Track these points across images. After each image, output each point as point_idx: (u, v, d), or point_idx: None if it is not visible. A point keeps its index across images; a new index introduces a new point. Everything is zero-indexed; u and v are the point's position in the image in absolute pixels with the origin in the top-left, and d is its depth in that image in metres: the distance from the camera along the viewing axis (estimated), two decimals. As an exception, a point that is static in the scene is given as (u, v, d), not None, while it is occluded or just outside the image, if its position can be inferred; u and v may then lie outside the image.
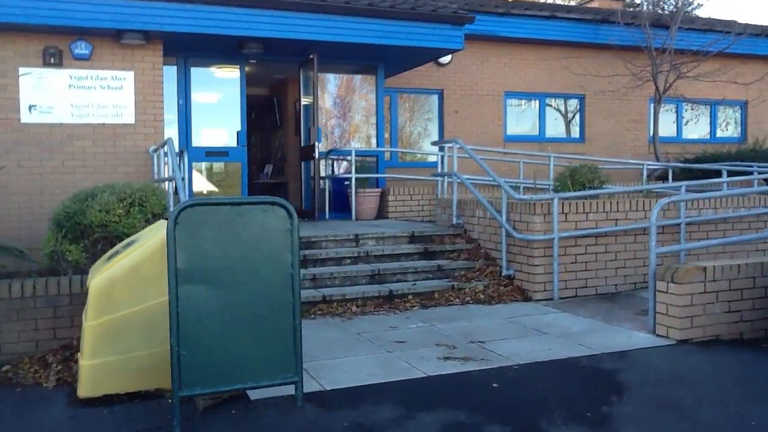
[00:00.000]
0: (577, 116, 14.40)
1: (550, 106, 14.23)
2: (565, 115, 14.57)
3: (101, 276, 4.16)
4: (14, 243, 6.21)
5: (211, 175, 10.56)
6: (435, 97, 13.15)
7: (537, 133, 14.01)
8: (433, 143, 9.84)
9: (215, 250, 3.68)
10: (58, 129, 8.69)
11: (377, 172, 11.12)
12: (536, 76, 13.63)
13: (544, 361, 4.81)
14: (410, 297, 6.87)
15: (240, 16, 8.89)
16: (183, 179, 9.38)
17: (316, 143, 10.02)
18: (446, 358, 4.86)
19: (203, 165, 10.40)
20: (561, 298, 7.03)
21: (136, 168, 9.03)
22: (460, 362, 4.77)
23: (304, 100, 10.78)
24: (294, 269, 3.83)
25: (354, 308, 6.55)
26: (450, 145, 8.67)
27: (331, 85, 11.18)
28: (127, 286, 4.13)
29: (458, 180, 8.47)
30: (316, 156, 10.06)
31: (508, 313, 6.42)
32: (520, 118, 14.11)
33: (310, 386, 4.19)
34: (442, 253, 7.81)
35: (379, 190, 10.58)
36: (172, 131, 9.95)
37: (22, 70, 8.46)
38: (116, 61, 8.90)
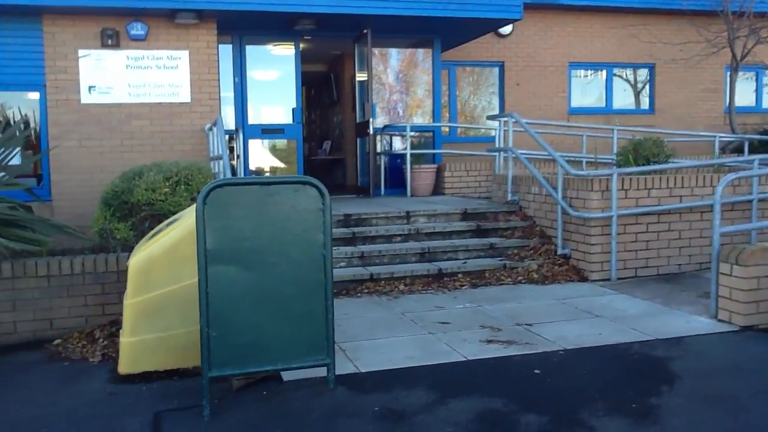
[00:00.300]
0: (647, 87, 13.73)
1: (618, 76, 13.62)
2: (633, 86, 13.92)
3: (140, 255, 4.19)
4: (72, 221, 6.39)
5: (267, 152, 10.62)
6: (496, 70, 12.79)
7: (603, 105, 13.46)
8: (489, 117, 9.56)
9: (245, 230, 3.63)
10: (117, 109, 8.88)
11: (434, 148, 10.93)
12: (603, 45, 13.05)
13: (592, 346, 4.58)
14: (460, 276, 6.71)
15: (292, -9, 8.80)
16: (239, 156, 9.52)
17: (371, 119, 9.89)
18: (489, 341, 4.70)
19: (260, 142, 10.45)
20: (619, 279, 6.72)
21: (192, 146, 9.15)
22: (503, 346, 4.60)
23: (359, 76, 10.65)
24: (326, 250, 3.74)
25: (402, 287, 6.45)
26: (506, 119, 8.36)
27: (387, 59, 11.00)
28: (165, 265, 4.14)
29: (513, 155, 8.18)
30: (371, 132, 9.94)
31: (561, 294, 6.18)
32: (586, 90, 13.58)
33: (344, 368, 4.13)
34: (495, 230, 7.59)
35: (434, 166, 10.38)
36: (228, 109, 10.04)
37: (81, 52, 8.66)
38: (171, 41, 8.99)
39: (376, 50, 10.60)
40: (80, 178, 8.70)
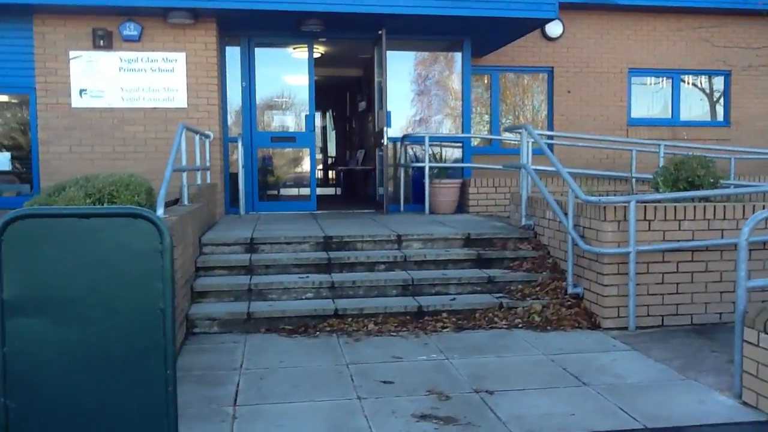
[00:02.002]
0: (721, 96, 12.15)
1: (686, 83, 12.11)
2: (705, 95, 12.36)
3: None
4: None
5: (276, 162, 9.89)
6: (544, 76, 11.60)
7: (669, 115, 12.01)
8: (505, 129, 8.47)
9: (57, 275, 2.81)
10: (109, 113, 8.37)
11: (463, 161, 9.89)
12: (668, 49, 11.60)
13: (553, 435, 3.49)
14: (444, 315, 5.69)
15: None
16: (243, 167, 8.83)
17: (385, 128, 8.97)
18: (423, 417, 3.69)
19: (269, 151, 9.74)
20: (639, 328, 5.51)
21: (191, 154, 8.50)
22: (435, 426, 3.58)
23: (378, 81, 9.77)
24: (166, 302, 2.87)
25: (371, 326, 5.49)
26: (520, 131, 7.24)
27: (409, 63, 10.07)
28: None
29: (526, 172, 7.07)
30: (384, 142, 9.02)
31: (557, 347, 5.05)
32: (649, 99, 12.16)
33: (213, 449, 3.24)
34: (499, 261, 6.50)
35: (458, 181, 9.34)
36: (236, 116, 9.37)
37: (72, 53, 8.20)
38: (167, 42, 8.41)
39: (397, 53, 9.68)
40: (66, 186, 8.21)
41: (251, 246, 6.38)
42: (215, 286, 5.77)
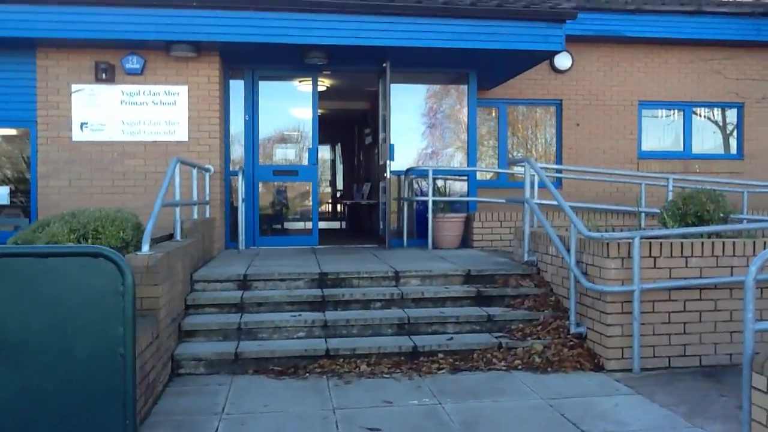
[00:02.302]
0: (734, 129, 11.94)
1: (698, 116, 11.92)
2: (718, 128, 12.15)
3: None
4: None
5: (278, 196, 9.79)
6: (552, 109, 11.47)
7: (681, 148, 11.80)
8: (511, 162, 8.30)
9: (12, 318, 2.67)
10: (109, 147, 8.33)
11: (468, 194, 9.74)
12: (680, 82, 11.45)
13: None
14: (440, 356, 5.47)
15: (297, 22, 7.99)
16: (244, 200, 8.73)
17: (387, 161, 8.85)
18: (407, 468, 3.48)
19: (271, 185, 9.64)
20: (644, 369, 5.26)
21: (188, 189, 8.43)
22: (419, 478, 3.36)
23: (382, 114, 9.69)
24: (126, 347, 2.72)
25: (363, 367, 5.29)
26: (523, 164, 7.08)
27: (414, 96, 9.98)
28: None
29: (529, 207, 6.89)
30: (387, 176, 8.89)
31: (557, 390, 4.82)
32: (659, 132, 11.97)
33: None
34: (500, 298, 6.29)
35: (462, 215, 9.17)
36: (239, 149, 9.31)
37: (74, 86, 8.20)
38: (169, 75, 8.39)
39: (402, 86, 9.62)
40: (65, 220, 8.14)
41: (244, 283, 6.23)
42: (204, 324, 5.61)
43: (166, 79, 8.39)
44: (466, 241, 9.27)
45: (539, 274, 6.66)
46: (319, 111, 13.88)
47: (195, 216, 7.39)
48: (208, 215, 8.26)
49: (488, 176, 11.05)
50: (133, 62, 8.19)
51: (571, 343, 5.65)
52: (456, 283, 6.52)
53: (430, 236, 8.93)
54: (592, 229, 5.81)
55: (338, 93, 11.51)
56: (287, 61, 8.98)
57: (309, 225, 9.60)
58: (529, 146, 11.69)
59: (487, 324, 5.91)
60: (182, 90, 8.40)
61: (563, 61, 11.01)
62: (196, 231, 6.84)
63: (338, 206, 17.31)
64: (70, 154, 8.23)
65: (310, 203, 9.55)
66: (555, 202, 6.54)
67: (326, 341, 5.55)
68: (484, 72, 9.76)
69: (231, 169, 9.13)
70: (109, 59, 8.21)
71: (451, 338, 5.71)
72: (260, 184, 9.40)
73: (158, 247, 5.28)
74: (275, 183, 9.63)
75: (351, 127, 15.21)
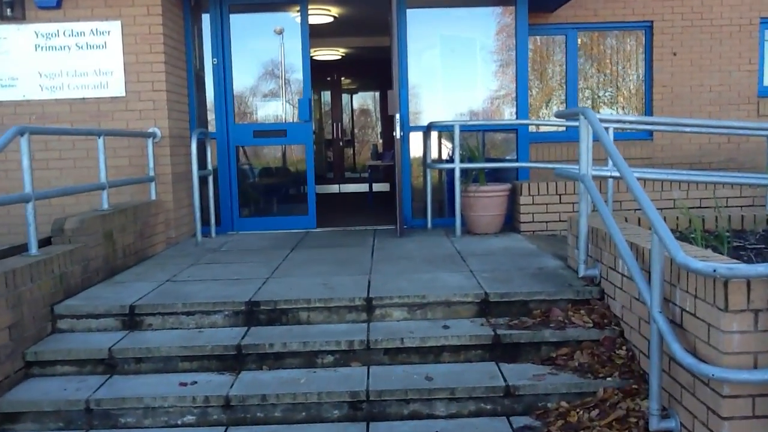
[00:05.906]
0: None
1: None
2: None
3: None
4: None
5: (263, 164, 7.54)
6: (640, 34, 8.63)
7: (823, 83, 8.72)
8: (556, 114, 5.63)
9: None
10: (25, 108, 6.31)
11: (518, 156, 7.18)
12: (821, -13, 8.30)
13: None
14: (413, 470, 3.14)
15: None
16: (215, 170, 6.58)
17: (397, 115, 6.38)
18: None
19: (252, 149, 7.38)
20: None
21: (130, 160, 6.35)
22: None
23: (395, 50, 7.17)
24: None
25: (275, 492, 3.04)
26: (576, 117, 4.42)
27: (444, 26, 7.35)
28: None
29: (586, 188, 4.30)
30: (396, 135, 6.42)
31: None
32: (791, 60, 8.90)
33: None
34: (532, 348, 3.81)
35: (503, 187, 6.60)
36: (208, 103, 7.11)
37: (-29, 29, 6.16)
38: (96, 7, 6.21)
39: (424, 11, 7.05)
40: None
41: (132, 318, 4.06)
42: (37, 402, 3.48)
43: (92, 13, 6.21)
44: (511, 222, 6.77)
45: (602, 299, 4.14)
46: (341, 51, 11.45)
47: (105, 204, 5.25)
48: (154, 197, 6.16)
49: (546, 128, 8.40)
50: (45, -9, 6.04)
51: (651, 447, 3.16)
52: (463, 315, 4.10)
53: (457, 217, 6.46)
54: (694, 237, 3.22)
55: (357, 26, 9.02)
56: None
57: (303, 204, 7.30)
58: (619, 85, 8.93)
59: (505, 401, 3.48)
60: (114, 27, 6.19)
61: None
62: (90, 229, 4.70)
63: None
64: (-27, 118, 6.27)
65: (305, 172, 7.23)
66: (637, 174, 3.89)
67: (228, 430, 3.33)
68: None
69: (197, 129, 6.94)
70: (13, -11, 6.10)
71: None
72: (239, 150, 7.17)
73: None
74: (258, 147, 7.36)
75: (368, 69, 12.72)
